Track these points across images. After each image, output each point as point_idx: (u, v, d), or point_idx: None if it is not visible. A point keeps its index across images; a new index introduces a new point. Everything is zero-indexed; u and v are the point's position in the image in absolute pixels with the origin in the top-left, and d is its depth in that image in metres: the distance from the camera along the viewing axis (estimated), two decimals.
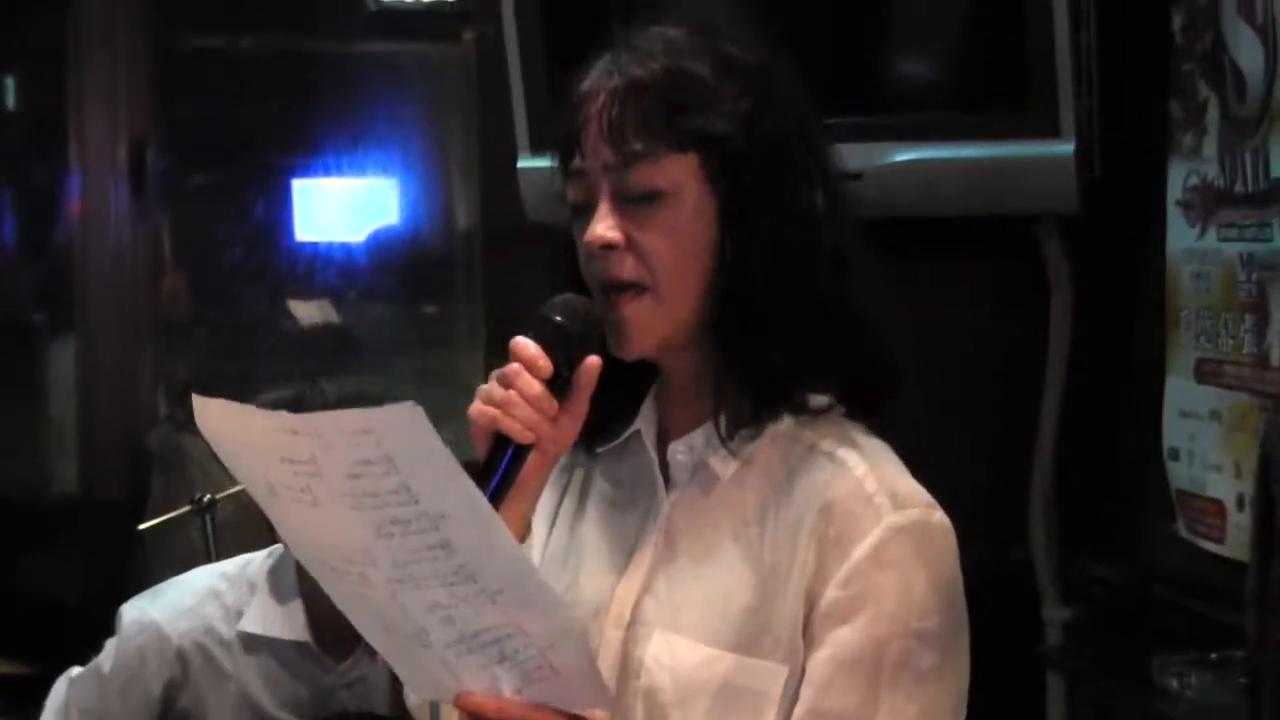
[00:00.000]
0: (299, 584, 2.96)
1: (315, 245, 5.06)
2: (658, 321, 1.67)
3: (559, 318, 1.65)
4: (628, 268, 1.66)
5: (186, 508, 3.59)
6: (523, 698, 1.58)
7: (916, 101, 3.43)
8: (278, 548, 3.01)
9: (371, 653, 2.66)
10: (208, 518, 3.57)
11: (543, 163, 1.78)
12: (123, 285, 4.77)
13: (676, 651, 1.66)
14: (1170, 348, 3.25)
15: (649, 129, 1.65)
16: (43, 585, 4.62)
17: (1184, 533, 3.21)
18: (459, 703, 1.60)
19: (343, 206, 5.09)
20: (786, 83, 1.72)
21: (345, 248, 5.05)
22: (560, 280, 1.73)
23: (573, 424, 1.67)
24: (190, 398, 1.56)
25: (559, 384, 1.64)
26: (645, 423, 1.75)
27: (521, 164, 3.60)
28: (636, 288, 1.66)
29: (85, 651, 3.06)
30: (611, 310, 1.67)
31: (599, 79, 1.69)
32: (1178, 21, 3.21)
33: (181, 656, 2.99)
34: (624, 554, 1.72)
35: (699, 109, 1.66)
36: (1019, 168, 3.32)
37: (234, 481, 1.68)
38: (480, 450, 1.64)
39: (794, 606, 1.63)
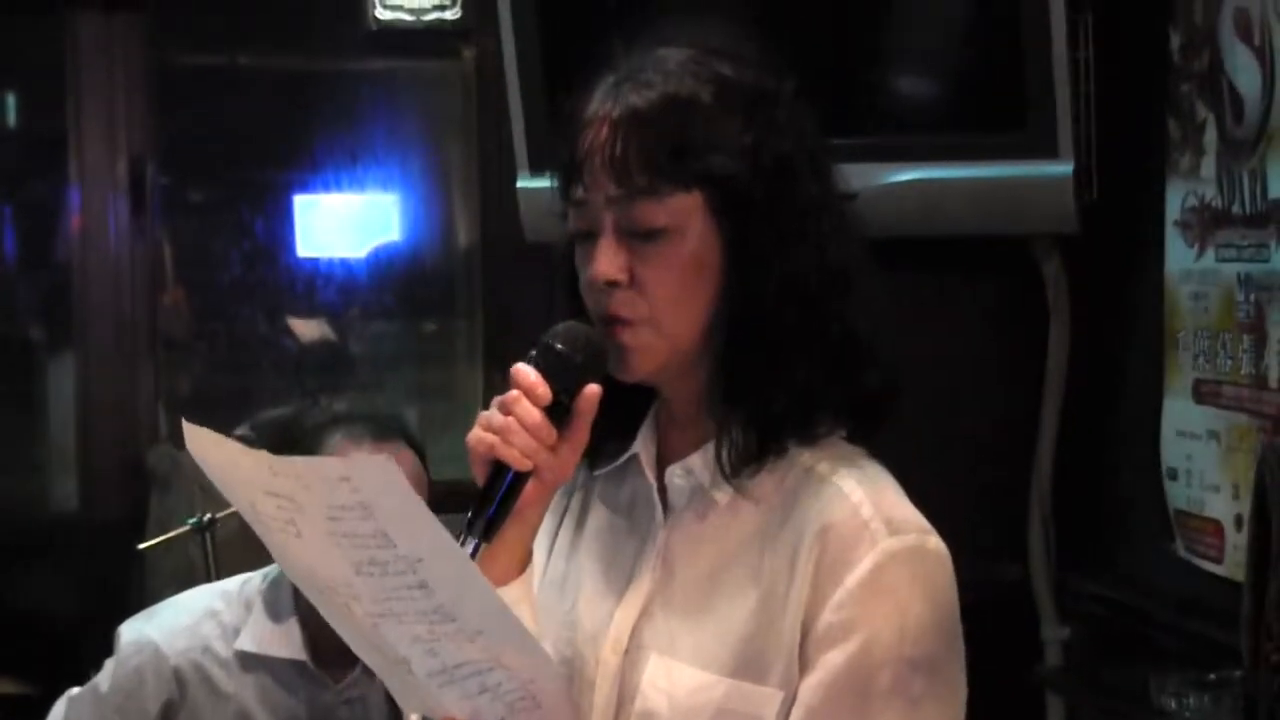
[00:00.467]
0: (295, 603, 2.95)
1: (316, 261, 5.05)
2: (658, 349, 1.67)
3: (560, 345, 1.65)
4: (630, 305, 1.65)
5: (186, 527, 3.58)
6: None
7: (915, 122, 3.44)
8: (275, 567, 3.01)
9: (369, 671, 2.65)
10: (208, 536, 3.56)
11: (541, 183, 1.78)
12: (122, 301, 4.75)
13: (673, 676, 1.66)
14: (1168, 368, 3.25)
15: (653, 166, 1.64)
16: (41, 604, 4.60)
17: (1182, 553, 3.21)
18: None
19: (343, 223, 5.08)
20: (789, 105, 1.70)
21: (346, 264, 5.05)
22: (560, 299, 1.73)
23: (572, 453, 1.66)
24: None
25: (559, 412, 1.63)
26: (644, 446, 1.74)
27: (520, 184, 3.61)
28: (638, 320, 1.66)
29: (84, 671, 3.05)
30: (612, 337, 1.66)
31: (600, 106, 1.67)
32: (1175, 42, 3.21)
33: (179, 676, 2.98)
34: (622, 579, 1.72)
35: (703, 146, 1.64)
36: (1017, 188, 3.33)
37: None
38: (479, 477, 1.63)
39: (790, 631, 1.62)
